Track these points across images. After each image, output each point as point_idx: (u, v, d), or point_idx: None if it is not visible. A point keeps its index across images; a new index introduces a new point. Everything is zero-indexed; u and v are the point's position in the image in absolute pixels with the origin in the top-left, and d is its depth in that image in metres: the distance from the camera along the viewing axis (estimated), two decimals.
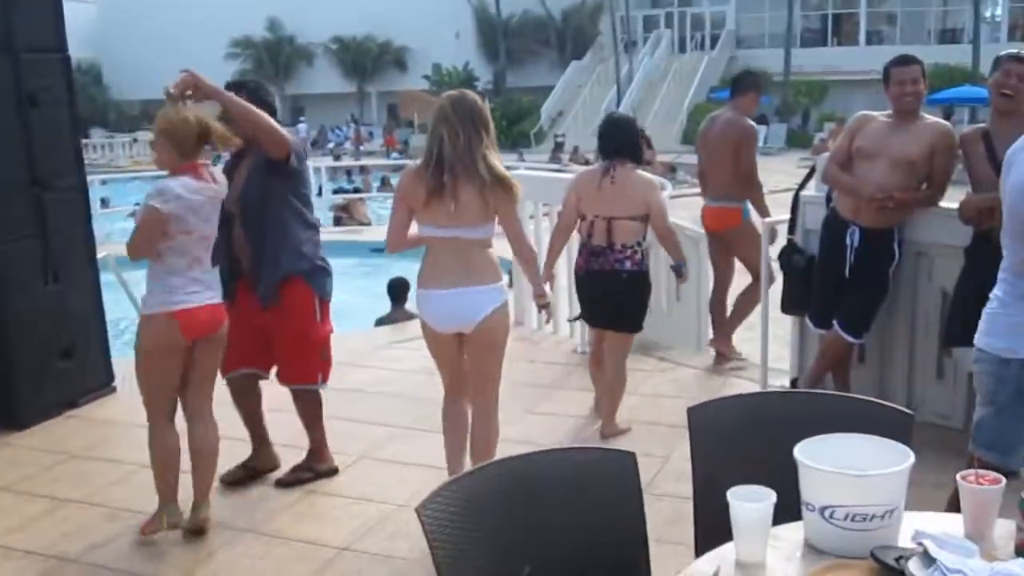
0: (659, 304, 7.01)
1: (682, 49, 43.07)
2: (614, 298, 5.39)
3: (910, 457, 2.08)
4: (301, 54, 49.11)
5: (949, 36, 40.06)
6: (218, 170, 4.36)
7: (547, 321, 5.31)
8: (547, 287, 4.97)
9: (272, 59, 48.74)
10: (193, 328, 4.17)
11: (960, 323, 4.75)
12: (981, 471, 2.12)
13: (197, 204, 4.07)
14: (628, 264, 5.28)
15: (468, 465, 4.33)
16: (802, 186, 5.77)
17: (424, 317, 4.32)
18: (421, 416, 5.81)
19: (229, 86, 4.63)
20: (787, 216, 5.75)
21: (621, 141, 5.38)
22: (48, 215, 5.84)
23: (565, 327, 7.52)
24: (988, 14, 39.38)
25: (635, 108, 37.59)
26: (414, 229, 4.23)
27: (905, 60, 5.07)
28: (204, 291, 4.20)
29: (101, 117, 47.04)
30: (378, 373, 6.80)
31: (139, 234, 4.07)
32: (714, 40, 42.08)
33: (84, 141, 38.30)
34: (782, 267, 5.63)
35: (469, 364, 4.37)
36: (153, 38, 48.35)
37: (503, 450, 5.20)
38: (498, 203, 4.09)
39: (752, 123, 6.78)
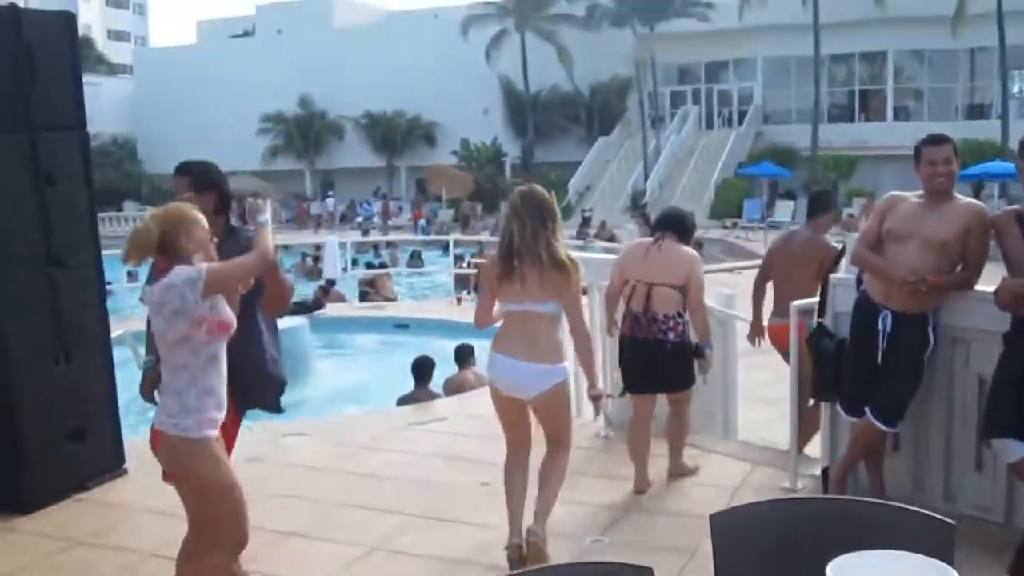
0: None
1: (709, 125, 43.19)
2: (659, 366, 5.70)
3: None
4: (332, 129, 49.67)
5: (977, 112, 39.96)
6: (181, 272, 3.70)
7: (597, 414, 5.39)
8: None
9: (302, 133, 49.33)
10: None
11: (999, 412, 4.56)
12: None
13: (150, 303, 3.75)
14: (671, 335, 5.62)
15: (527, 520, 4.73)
16: (832, 268, 5.59)
17: (491, 377, 4.85)
18: (437, 503, 5.65)
19: (178, 170, 4.50)
20: (816, 299, 5.58)
21: (674, 220, 5.93)
22: (60, 293, 5.76)
23: (588, 411, 7.31)
24: (1016, 89, 39.31)
25: (662, 184, 37.71)
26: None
27: (936, 140, 4.93)
28: (157, 410, 3.89)
29: (135, 190, 47.61)
30: (394, 457, 6.62)
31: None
32: (741, 116, 42.18)
33: (116, 214, 39.06)
34: (812, 351, 5.43)
35: (539, 422, 4.87)
36: (187, 114, 49.29)
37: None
38: (557, 285, 4.62)
39: (834, 243, 6.71)
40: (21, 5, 6.22)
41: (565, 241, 4.81)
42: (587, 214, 33.00)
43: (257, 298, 4.42)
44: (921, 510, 2.44)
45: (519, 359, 4.64)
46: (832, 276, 5.54)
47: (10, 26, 5.51)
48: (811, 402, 5.78)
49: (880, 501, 2.62)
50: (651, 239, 5.89)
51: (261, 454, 6.48)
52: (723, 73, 43.98)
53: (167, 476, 3.98)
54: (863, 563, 2.01)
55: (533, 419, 4.87)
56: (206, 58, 51.78)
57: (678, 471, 6.04)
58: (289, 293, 4.72)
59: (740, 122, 41.81)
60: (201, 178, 4.51)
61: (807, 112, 39.27)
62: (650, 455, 5.92)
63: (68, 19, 5.99)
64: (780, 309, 6.66)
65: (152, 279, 3.74)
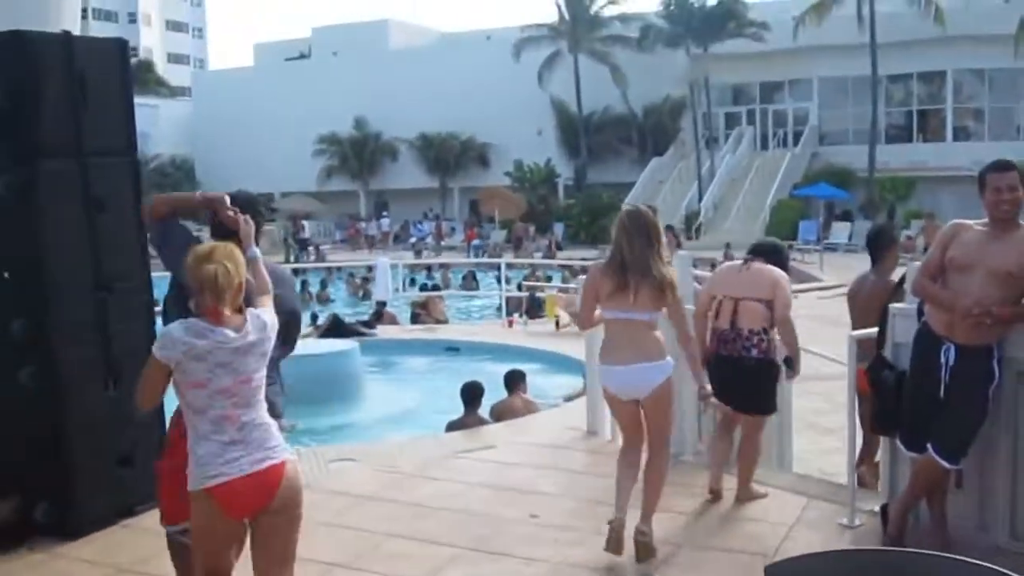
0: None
1: (764, 146, 42.79)
2: (743, 383, 5.77)
3: None
4: (385, 150, 50.02)
5: None
6: (265, 314, 3.75)
7: (704, 411, 6.15)
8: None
9: (357, 155, 49.73)
10: (237, 505, 3.58)
11: None
12: None
13: (203, 351, 3.50)
14: (755, 352, 5.70)
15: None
16: (891, 298, 5.42)
17: (606, 386, 5.34)
18: (486, 536, 5.55)
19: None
20: (875, 329, 5.41)
21: (768, 250, 6.10)
22: (110, 318, 5.77)
23: (607, 430, 7.21)
24: None
25: (716, 204, 37.42)
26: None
27: (1002, 166, 4.76)
28: (246, 454, 3.56)
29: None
30: (443, 486, 6.51)
31: (141, 383, 3.62)
32: (796, 137, 41.75)
33: None
34: (871, 383, 5.26)
35: (647, 420, 5.27)
36: (244, 135, 50.01)
37: (556, 574, 4.93)
38: (662, 298, 5.09)
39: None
40: (79, 32, 6.26)
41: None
42: None
43: None
44: (987, 564, 2.29)
45: (628, 363, 5.10)
46: (892, 306, 5.37)
47: (63, 52, 5.56)
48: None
49: (942, 555, 2.47)
50: (741, 261, 6.12)
51: (308, 481, 6.41)
52: (778, 93, 43.58)
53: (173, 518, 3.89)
54: None
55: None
56: (263, 80, 52.57)
57: (747, 496, 6.00)
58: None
59: (795, 143, 41.39)
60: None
61: (864, 132, 38.73)
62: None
63: (120, 45, 6.02)
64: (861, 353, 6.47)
65: (169, 313, 3.73)
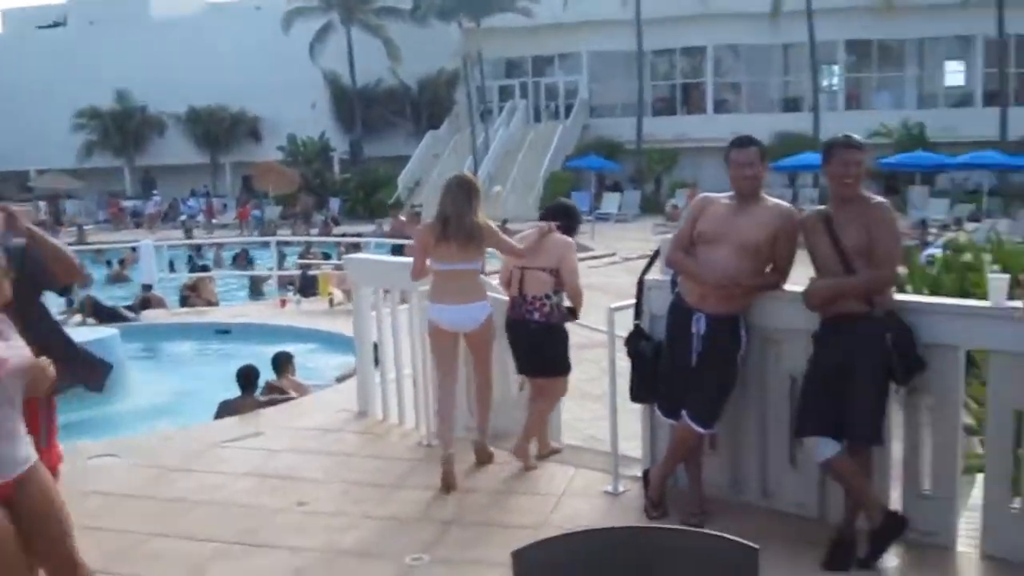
0: (508, 392, 6.77)
1: (537, 118, 43.54)
2: (529, 346, 6.15)
3: None
4: (152, 124, 47.77)
5: (792, 104, 41.55)
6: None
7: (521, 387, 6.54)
8: None
9: (120, 129, 47.21)
10: None
11: (810, 411, 4.62)
12: None
13: None
14: (537, 316, 6.05)
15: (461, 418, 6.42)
16: (647, 269, 5.56)
17: (435, 321, 6.03)
18: (251, 528, 5.38)
19: None
20: (632, 300, 5.55)
21: (559, 212, 6.43)
22: None
23: (411, 418, 7.15)
24: (826, 84, 41.07)
25: (492, 177, 37.81)
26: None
27: (742, 142, 4.96)
28: None
29: None
30: (206, 478, 6.26)
31: None
32: (568, 110, 42.67)
33: None
34: (629, 354, 5.40)
35: (472, 350, 6.17)
36: None
37: (326, 563, 4.82)
38: (483, 241, 5.90)
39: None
40: None
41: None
42: (417, 209, 32.75)
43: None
44: (727, 536, 2.36)
45: (455, 304, 5.92)
46: (647, 278, 5.52)
47: None
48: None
49: (685, 528, 2.53)
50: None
51: (66, 481, 6.03)
52: (549, 67, 44.39)
53: None
54: None
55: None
56: (14, 50, 48.98)
57: (546, 451, 6.38)
58: (70, 256, 4.46)
59: (567, 116, 42.30)
60: None
61: (632, 106, 40.13)
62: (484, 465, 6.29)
63: None
64: None
65: None
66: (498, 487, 5.94)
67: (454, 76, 43.21)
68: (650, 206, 35.76)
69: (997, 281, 4.55)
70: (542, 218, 6.44)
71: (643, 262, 5.80)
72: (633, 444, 6.06)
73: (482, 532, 5.27)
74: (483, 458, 6.26)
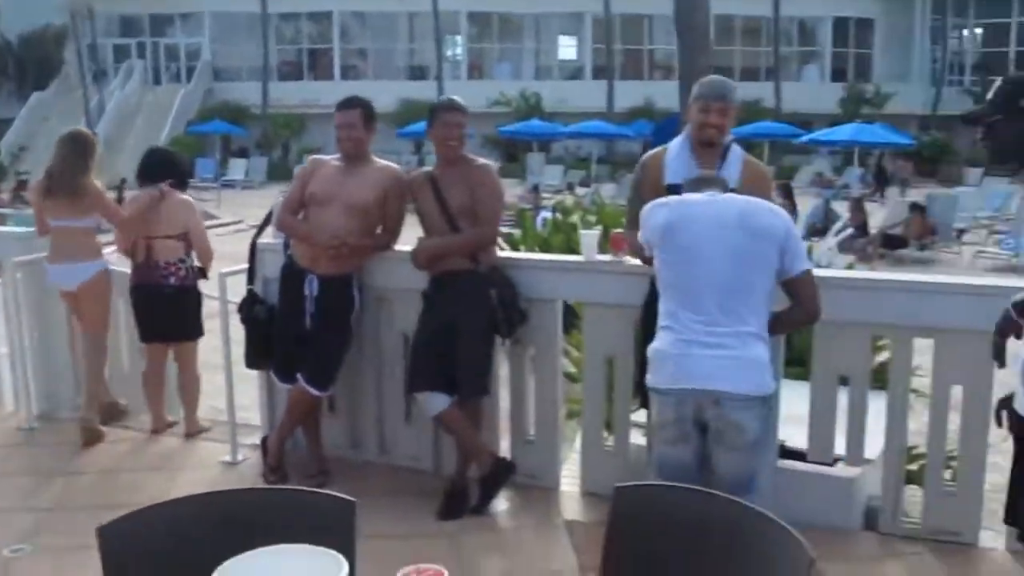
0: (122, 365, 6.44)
1: (157, 81, 41.55)
2: (164, 310, 5.88)
3: (343, 569, 1.85)
4: None
5: (418, 73, 42.46)
6: None
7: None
8: None
9: None
10: None
11: (421, 367, 4.75)
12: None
13: None
14: (173, 280, 5.84)
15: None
16: (259, 233, 5.46)
17: (53, 283, 5.99)
18: None
19: None
20: (245, 265, 5.43)
21: (158, 164, 6.04)
22: None
23: (10, 400, 6.61)
24: (449, 53, 42.31)
25: (108, 141, 35.62)
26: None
27: (345, 104, 5.01)
28: None
29: None
30: None
31: None
32: (190, 72, 41.06)
33: None
34: (243, 320, 5.28)
35: (79, 310, 6.04)
36: None
37: None
38: (87, 204, 5.77)
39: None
40: None
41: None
42: (24, 177, 30.22)
43: None
44: (311, 490, 2.38)
45: (63, 263, 5.84)
46: (259, 241, 5.42)
47: None
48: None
49: (282, 488, 2.52)
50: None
51: None
52: (170, 27, 42.47)
53: None
54: (255, 566, 1.89)
55: None
56: None
57: (195, 429, 6.14)
58: None
59: (189, 78, 40.68)
60: None
61: (257, 70, 39.32)
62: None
63: None
64: None
65: None
66: (110, 466, 5.63)
67: (63, 32, 40.13)
68: (278, 172, 35.26)
69: (588, 237, 4.90)
70: (142, 175, 6.04)
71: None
72: (254, 413, 5.98)
73: (92, 515, 4.90)
74: (93, 437, 5.88)
